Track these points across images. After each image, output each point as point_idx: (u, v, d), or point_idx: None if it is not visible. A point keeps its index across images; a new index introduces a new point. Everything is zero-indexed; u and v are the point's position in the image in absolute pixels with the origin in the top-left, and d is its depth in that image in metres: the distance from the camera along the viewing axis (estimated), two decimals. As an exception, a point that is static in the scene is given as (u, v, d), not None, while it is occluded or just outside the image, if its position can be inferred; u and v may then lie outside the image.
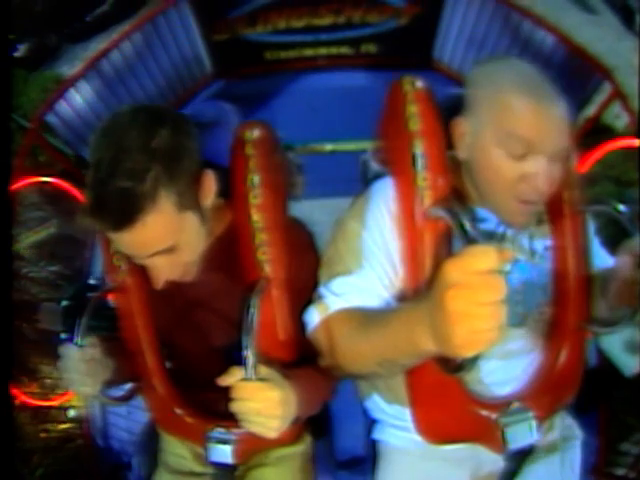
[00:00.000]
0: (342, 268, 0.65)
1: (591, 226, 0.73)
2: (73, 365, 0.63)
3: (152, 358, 0.71)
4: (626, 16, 2.24)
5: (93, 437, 1.49)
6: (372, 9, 2.24)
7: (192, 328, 0.72)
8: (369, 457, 0.77)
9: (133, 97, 2.01)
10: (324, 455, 0.82)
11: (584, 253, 0.69)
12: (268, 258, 0.65)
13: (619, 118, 1.79)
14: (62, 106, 1.90)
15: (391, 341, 0.52)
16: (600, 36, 2.06)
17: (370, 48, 2.30)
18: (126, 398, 0.74)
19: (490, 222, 0.67)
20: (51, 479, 1.47)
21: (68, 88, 1.92)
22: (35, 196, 1.81)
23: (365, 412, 0.79)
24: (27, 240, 1.74)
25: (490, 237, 0.66)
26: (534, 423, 0.65)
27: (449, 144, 0.65)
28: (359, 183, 0.79)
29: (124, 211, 0.55)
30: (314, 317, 0.65)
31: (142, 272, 0.69)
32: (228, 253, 0.67)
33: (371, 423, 0.78)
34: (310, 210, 0.75)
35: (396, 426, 0.73)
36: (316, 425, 0.79)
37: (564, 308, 0.69)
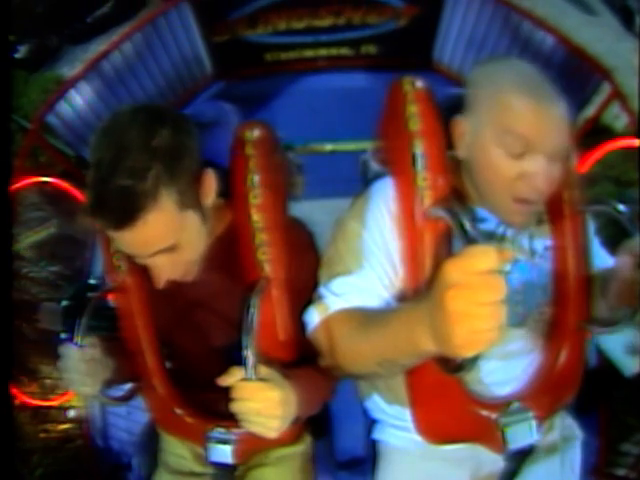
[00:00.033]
0: (342, 268, 0.65)
1: (591, 226, 0.74)
2: (73, 365, 0.63)
3: (152, 358, 0.71)
4: (625, 17, 2.24)
5: (93, 437, 1.48)
6: (372, 10, 2.24)
7: (192, 328, 0.72)
8: (369, 457, 0.77)
9: (133, 98, 2.01)
10: (324, 455, 0.82)
11: (584, 253, 0.69)
12: (268, 258, 0.65)
13: (618, 119, 1.79)
14: (63, 107, 1.91)
15: (391, 341, 0.52)
16: (599, 37, 2.07)
17: (370, 49, 2.31)
18: (126, 398, 0.74)
19: (490, 222, 0.67)
20: (50, 479, 1.47)
21: (69, 89, 1.93)
22: (35, 196, 1.81)
23: (365, 412, 0.79)
24: (27, 240, 1.74)
25: (490, 237, 0.66)
26: (534, 423, 0.65)
27: (449, 144, 0.65)
28: (359, 183, 0.79)
29: (125, 209, 0.55)
30: (314, 317, 0.65)
31: (142, 272, 0.69)
32: (228, 253, 0.67)
33: (371, 423, 0.78)
34: (310, 211, 0.75)
35: (396, 426, 0.73)
36: (316, 425, 0.78)
37: (564, 308, 0.69)
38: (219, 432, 0.68)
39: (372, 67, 2.25)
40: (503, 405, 0.66)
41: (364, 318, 0.59)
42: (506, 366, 0.69)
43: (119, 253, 0.69)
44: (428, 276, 0.61)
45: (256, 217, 0.66)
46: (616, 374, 0.76)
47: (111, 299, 0.74)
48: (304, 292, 0.67)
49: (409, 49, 2.21)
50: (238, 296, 0.60)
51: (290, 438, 0.72)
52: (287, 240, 0.67)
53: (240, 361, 0.55)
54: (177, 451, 0.79)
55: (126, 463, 1.37)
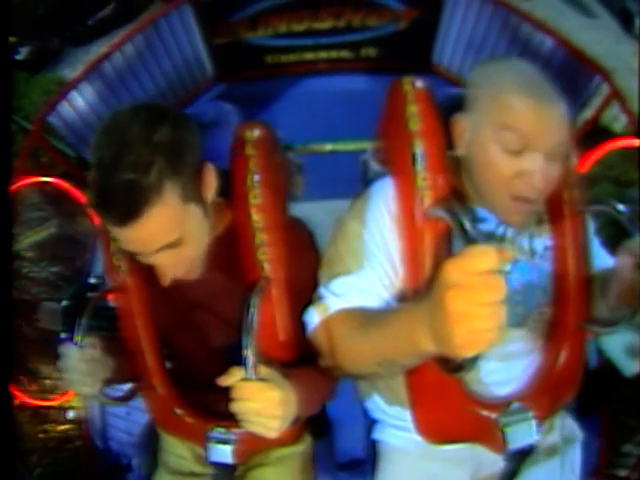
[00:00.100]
0: (342, 268, 0.65)
1: (591, 226, 0.74)
2: (73, 365, 0.63)
3: (152, 358, 0.71)
4: (624, 19, 2.25)
5: (92, 438, 1.48)
6: (372, 13, 2.25)
7: (192, 328, 0.72)
8: (369, 458, 0.77)
9: (134, 99, 2.01)
10: (324, 455, 0.82)
11: (584, 253, 0.69)
12: (268, 258, 0.65)
13: (617, 120, 1.80)
14: (64, 108, 1.91)
15: (391, 341, 0.52)
16: (599, 39, 2.08)
17: (370, 52, 2.32)
18: (126, 398, 0.74)
19: (490, 222, 0.67)
20: (49, 479, 1.46)
21: (70, 90, 1.93)
22: (35, 196, 1.81)
23: (365, 412, 0.79)
24: (27, 240, 1.74)
25: (490, 237, 0.66)
26: (534, 423, 0.65)
27: (449, 144, 0.65)
28: (359, 184, 0.79)
29: (130, 204, 0.55)
30: (314, 317, 0.65)
31: (142, 272, 0.69)
32: (228, 253, 0.67)
33: (371, 423, 0.78)
34: (310, 211, 0.76)
35: (396, 426, 0.73)
36: (316, 425, 0.78)
37: (564, 308, 0.69)
38: (219, 432, 0.67)
39: (372, 70, 2.26)
40: (503, 405, 0.66)
41: (364, 318, 0.59)
42: (506, 366, 0.69)
43: (119, 253, 0.69)
44: (428, 276, 0.61)
45: (256, 217, 0.66)
46: (617, 375, 0.76)
47: (111, 299, 0.74)
48: (304, 292, 0.67)
49: (409, 52, 2.22)
50: (238, 296, 0.60)
51: (290, 438, 0.72)
52: (287, 240, 0.67)
53: (240, 361, 0.55)
54: (177, 451, 0.79)
55: (125, 464, 1.37)
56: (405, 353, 0.51)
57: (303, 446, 0.78)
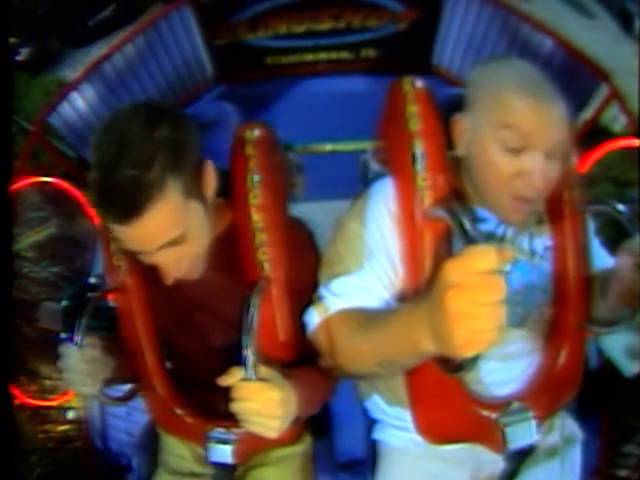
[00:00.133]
0: (342, 268, 0.65)
1: (591, 226, 0.74)
2: (73, 365, 0.63)
3: (152, 358, 0.71)
4: (624, 20, 2.26)
5: (92, 438, 1.48)
6: (371, 14, 2.25)
7: (192, 328, 0.72)
8: (369, 458, 0.77)
9: (135, 100, 2.01)
10: (324, 455, 0.82)
11: (584, 253, 0.69)
12: (268, 258, 0.65)
13: (616, 120, 1.80)
14: (65, 109, 1.92)
15: (391, 341, 0.52)
16: (598, 40, 2.08)
17: (370, 53, 2.32)
18: (126, 398, 0.74)
19: (490, 222, 0.67)
20: (49, 479, 1.46)
21: (71, 91, 1.94)
22: (36, 196, 1.81)
23: (365, 413, 0.79)
24: (27, 240, 1.74)
25: (490, 237, 0.66)
26: (534, 423, 0.65)
27: (449, 144, 0.65)
28: (359, 184, 0.79)
29: (133, 200, 0.55)
30: (314, 318, 0.65)
31: (142, 272, 0.69)
32: (228, 253, 0.67)
33: (371, 423, 0.78)
34: (310, 212, 0.76)
35: (396, 426, 0.73)
36: (316, 425, 0.78)
37: (564, 308, 0.69)
38: (219, 432, 0.67)
39: (372, 71, 2.26)
40: (503, 405, 0.66)
41: (364, 318, 0.59)
42: (506, 366, 0.69)
43: (119, 253, 0.69)
44: (428, 276, 0.61)
45: (256, 217, 0.66)
46: (617, 375, 0.76)
47: (111, 299, 0.74)
48: (304, 292, 0.67)
49: (408, 53, 2.22)
50: (238, 296, 0.60)
51: (290, 438, 0.72)
52: (287, 240, 0.67)
53: (240, 361, 0.55)
54: (177, 451, 0.79)
55: (125, 464, 1.37)
56: (405, 353, 0.51)
57: (303, 446, 0.78)
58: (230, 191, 0.68)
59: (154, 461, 0.82)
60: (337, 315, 0.62)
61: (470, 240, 0.48)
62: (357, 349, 0.58)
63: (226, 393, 0.55)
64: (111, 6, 2.51)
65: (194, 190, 0.60)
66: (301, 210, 0.75)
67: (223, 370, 0.56)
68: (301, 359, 0.66)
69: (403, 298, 0.63)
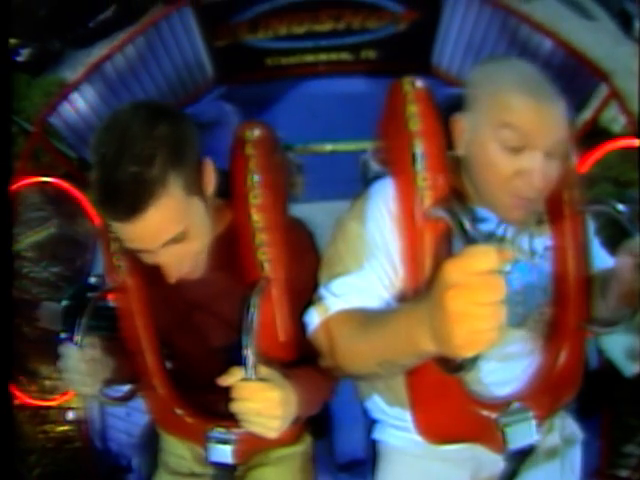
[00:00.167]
0: (342, 269, 0.65)
1: (591, 226, 0.74)
2: (73, 365, 0.63)
3: (152, 358, 0.71)
4: (624, 21, 2.26)
5: (91, 439, 1.48)
6: (371, 15, 2.26)
7: (192, 328, 0.72)
8: (369, 458, 0.77)
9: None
10: (324, 455, 0.82)
11: (584, 253, 0.69)
12: (268, 258, 0.66)
13: (616, 121, 1.80)
14: (65, 109, 1.92)
15: (391, 341, 0.52)
16: (598, 41, 2.08)
17: (370, 54, 2.32)
18: (126, 398, 0.74)
19: (490, 222, 0.67)
20: (49, 479, 1.46)
21: (71, 91, 1.94)
22: (36, 196, 1.82)
23: (365, 413, 0.79)
24: (28, 240, 1.74)
25: (490, 237, 0.66)
26: (534, 423, 0.65)
27: (449, 144, 0.65)
28: (359, 185, 0.79)
29: (136, 197, 0.55)
30: (314, 318, 0.65)
31: (142, 272, 0.69)
32: (228, 253, 0.67)
33: (371, 424, 0.78)
34: (310, 213, 0.76)
35: (396, 426, 0.73)
36: (316, 425, 0.78)
37: (564, 308, 0.69)
38: (219, 432, 0.67)
39: (372, 72, 2.26)
40: (503, 405, 0.66)
41: (364, 319, 0.59)
42: (506, 366, 0.69)
43: (119, 253, 0.70)
44: (428, 276, 0.61)
45: (256, 217, 0.66)
46: (618, 375, 0.76)
47: (111, 299, 0.74)
48: (304, 292, 0.67)
49: (408, 54, 2.22)
50: (238, 296, 0.60)
51: (290, 438, 0.72)
52: (287, 240, 0.67)
53: (240, 361, 0.55)
54: (177, 451, 0.79)
55: (124, 465, 1.37)
56: (405, 353, 0.51)
57: (303, 446, 0.78)
58: (230, 191, 0.68)
59: (154, 461, 0.82)
60: (337, 315, 0.62)
61: (470, 240, 0.48)
62: (357, 349, 0.58)
63: (226, 393, 0.55)
64: (112, 7, 2.51)
65: (195, 187, 0.60)
66: (301, 210, 0.75)
67: (223, 370, 0.56)
68: (301, 359, 0.66)
69: (403, 298, 0.63)
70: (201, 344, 0.72)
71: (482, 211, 0.67)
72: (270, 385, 0.54)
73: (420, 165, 0.63)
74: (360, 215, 0.67)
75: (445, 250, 0.60)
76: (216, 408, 0.65)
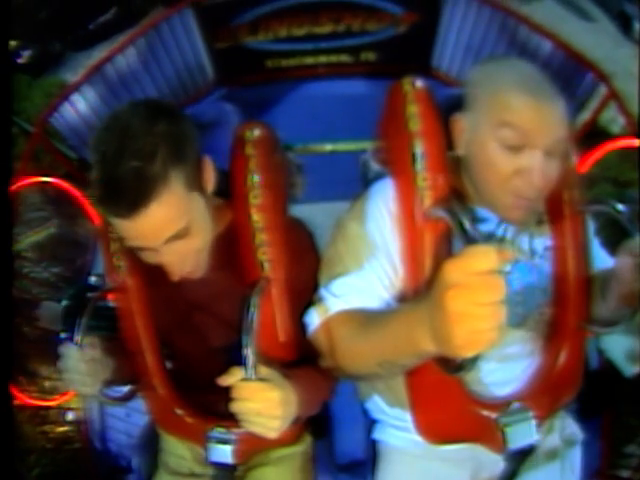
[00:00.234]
0: (342, 269, 0.65)
1: (591, 226, 0.74)
2: (73, 365, 0.63)
3: (152, 358, 0.71)
4: (623, 23, 2.27)
5: (91, 439, 1.48)
6: (371, 17, 2.27)
7: (192, 328, 0.72)
8: (369, 458, 0.77)
9: (134, 101, 2.02)
10: (324, 455, 0.82)
11: (584, 253, 0.69)
12: (268, 258, 0.66)
13: (615, 122, 1.80)
14: (66, 110, 1.92)
15: (391, 342, 0.52)
16: (598, 43, 2.09)
17: (369, 56, 2.33)
18: (126, 398, 0.74)
19: (490, 222, 0.67)
20: (48, 480, 1.46)
21: (72, 92, 1.94)
22: (36, 196, 1.82)
23: (365, 413, 0.79)
24: (28, 240, 1.74)
25: (490, 237, 0.66)
26: (534, 423, 0.65)
27: (449, 144, 0.65)
28: (359, 185, 0.79)
29: (137, 193, 0.55)
30: (314, 319, 0.65)
31: (142, 272, 0.69)
32: (228, 253, 0.67)
33: (371, 424, 0.78)
34: (310, 213, 0.76)
35: (396, 426, 0.72)
36: (316, 425, 0.78)
37: (564, 309, 0.69)
38: (219, 432, 0.67)
39: (372, 74, 2.27)
40: (503, 405, 0.66)
41: (364, 319, 0.59)
42: (506, 367, 0.68)
43: (120, 253, 0.70)
44: (428, 276, 0.61)
45: (256, 217, 0.66)
46: (618, 376, 0.76)
47: (111, 299, 0.74)
48: (304, 292, 0.67)
49: (408, 56, 2.23)
50: (238, 296, 0.60)
51: (290, 438, 0.72)
52: (287, 240, 0.67)
53: (240, 361, 0.55)
54: (177, 451, 0.79)
55: (124, 465, 1.36)
56: (405, 353, 0.51)
57: (303, 446, 0.78)
58: (230, 191, 0.68)
59: (154, 461, 0.82)
60: (337, 316, 0.62)
61: (470, 240, 0.48)
62: (357, 350, 0.58)
63: (226, 393, 0.55)
64: (112, 9, 2.52)
65: (196, 183, 0.60)
66: (301, 211, 0.75)
67: (223, 370, 0.56)
68: (301, 359, 0.66)
69: (403, 298, 0.63)
70: (201, 344, 0.72)
71: (482, 211, 0.67)
72: (270, 385, 0.54)
73: (420, 165, 0.63)
74: (360, 215, 0.67)
75: (445, 250, 0.60)
76: (216, 408, 0.65)
